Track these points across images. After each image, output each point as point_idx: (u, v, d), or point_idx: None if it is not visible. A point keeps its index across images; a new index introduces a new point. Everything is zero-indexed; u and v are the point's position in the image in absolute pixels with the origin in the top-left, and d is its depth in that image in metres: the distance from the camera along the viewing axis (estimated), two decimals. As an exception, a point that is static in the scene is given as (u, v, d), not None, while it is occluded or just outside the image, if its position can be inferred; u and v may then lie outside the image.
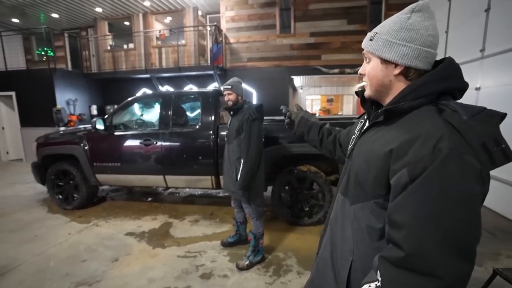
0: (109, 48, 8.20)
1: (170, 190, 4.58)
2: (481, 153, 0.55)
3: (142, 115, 3.79)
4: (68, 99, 7.29)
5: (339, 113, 12.48)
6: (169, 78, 7.74)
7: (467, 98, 4.12)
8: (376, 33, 0.70)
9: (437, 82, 0.64)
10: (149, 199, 4.20)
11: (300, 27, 7.23)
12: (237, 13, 7.52)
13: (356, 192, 0.73)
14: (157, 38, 8.15)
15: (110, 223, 3.27)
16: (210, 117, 3.17)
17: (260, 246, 2.35)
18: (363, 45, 0.74)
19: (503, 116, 0.58)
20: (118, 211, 3.66)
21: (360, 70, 0.77)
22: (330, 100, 13.61)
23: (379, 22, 6.91)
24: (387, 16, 6.58)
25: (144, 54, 7.75)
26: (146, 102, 3.82)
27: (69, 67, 8.87)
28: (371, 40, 0.71)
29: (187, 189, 4.49)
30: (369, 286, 0.62)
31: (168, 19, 9.00)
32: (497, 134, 0.56)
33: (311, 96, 13.21)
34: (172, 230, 3.09)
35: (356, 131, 0.86)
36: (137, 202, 4.04)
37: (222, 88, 2.24)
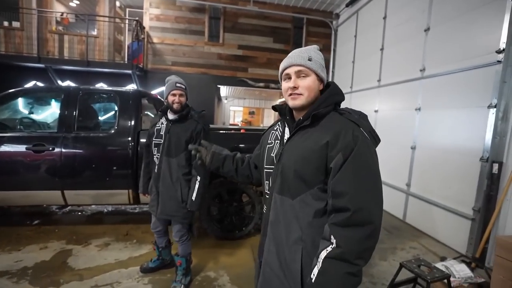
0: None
1: (68, 208, 3.74)
2: (371, 137, 0.85)
3: (31, 113, 3.01)
4: None
5: (261, 125, 13.24)
6: (73, 73, 6.51)
7: (370, 118, 4.93)
8: (312, 57, 0.90)
9: (336, 95, 0.92)
10: (36, 221, 3.29)
11: (228, 38, 7.38)
12: (163, 12, 7.09)
13: (297, 186, 0.86)
14: (57, 22, 6.75)
15: (-33, 260, 2.36)
16: (129, 121, 2.82)
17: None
18: (301, 62, 0.90)
19: (367, 116, 0.92)
20: (-17, 242, 2.71)
21: (294, 83, 0.90)
22: (251, 113, 14.33)
23: (300, 45, 7.87)
24: (307, 40, 7.50)
25: (38, 38, 6.22)
26: (39, 97, 3.07)
27: None
28: (310, 60, 0.90)
29: (93, 206, 3.76)
30: (326, 250, 0.79)
31: (74, 2, 7.69)
32: (371, 126, 0.87)
33: (234, 108, 13.65)
34: (71, 260, 2.48)
35: (272, 140, 1.01)
36: (16, 227, 3.09)
37: (174, 85, 1.91)
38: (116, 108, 2.86)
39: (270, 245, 0.93)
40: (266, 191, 0.98)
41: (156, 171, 1.96)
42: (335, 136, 0.81)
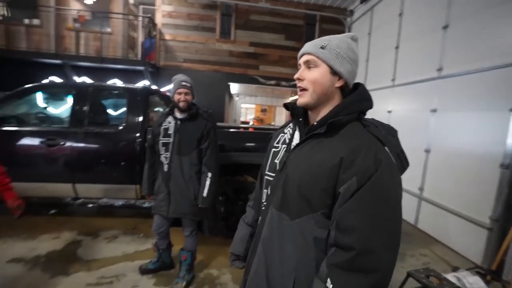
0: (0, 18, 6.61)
1: (81, 200, 3.88)
2: (398, 161, 0.70)
3: (46, 108, 3.16)
4: None
5: (272, 124, 13.19)
6: (88, 69, 6.72)
7: (383, 118, 4.91)
8: (327, 44, 0.76)
9: (362, 102, 0.77)
10: (52, 211, 3.45)
11: (240, 35, 7.39)
12: (175, 9, 7.19)
13: (299, 206, 0.74)
14: (74, 20, 6.99)
15: (-16, 247, 2.51)
16: (137, 118, 2.89)
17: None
18: (311, 50, 0.77)
19: (397, 131, 0.76)
20: (2, 229, 2.87)
21: (299, 75, 0.79)
22: (264, 110, 14.29)
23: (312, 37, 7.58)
24: (320, 37, 7.33)
25: (55, 35, 6.49)
26: (54, 93, 3.21)
27: None
28: (322, 48, 0.76)
29: (104, 199, 3.90)
30: None
31: (90, 0, 7.90)
32: (400, 146, 0.74)
33: (246, 105, 13.59)
34: (81, 251, 2.58)
35: (279, 144, 0.88)
36: (33, 217, 3.25)
37: (180, 83, 1.94)
38: (125, 105, 2.95)
39: (259, 266, 0.82)
40: (263, 201, 0.87)
41: (166, 170, 1.97)
42: (352, 154, 0.68)
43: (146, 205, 3.87)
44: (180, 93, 1.94)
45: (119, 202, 3.95)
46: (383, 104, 4.93)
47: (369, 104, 0.78)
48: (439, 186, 3.48)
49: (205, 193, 1.93)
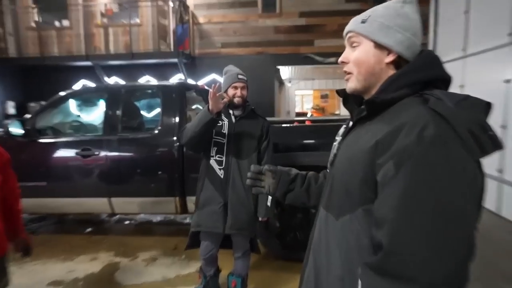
0: (33, 25, 7.77)
1: (117, 216, 4.32)
2: (469, 140, 0.63)
3: (79, 116, 3.62)
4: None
5: (336, 112, 12.70)
6: (118, 68, 7.49)
7: (496, 92, 4.43)
8: (369, 15, 0.81)
9: (419, 71, 0.76)
10: (88, 229, 3.93)
11: (287, 5, 7.33)
12: (208, -15, 7.49)
13: (342, 202, 0.79)
14: (102, 15, 7.82)
15: (26, 269, 2.96)
16: (173, 118, 3.09)
17: (242, 290, 2.28)
18: (351, 27, 0.83)
19: (488, 104, 0.68)
20: (41, 249, 3.35)
21: (342, 57, 0.85)
22: (324, 96, 13.90)
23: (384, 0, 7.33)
24: (393, -6, 6.88)
25: (85, 35, 7.39)
26: (86, 99, 3.65)
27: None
28: (363, 22, 0.81)
29: (142, 215, 4.26)
30: None
31: (116, -10, 8.79)
32: (483, 121, 0.66)
33: (301, 92, 13.42)
34: (119, 274, 2.87)
35: (338, 136, 0.97)
36: (69, 235, 3.74)
37: (236, 76, 2.06)
38: (159, 105, 3.17)
39: (309, 273, 0.90)
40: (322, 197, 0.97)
41: (222, 176, 2.04)
42: (391, 134, 0.68)
43: (187, 220, 4.10)
44: (236, 88, 2.05)
45: (158, 218, 4.26)
46: (495, 72, 4.53)
47: (432, 72, 0.76)
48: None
49: (269, 203, 2.01)
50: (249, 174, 1.16)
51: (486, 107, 0.69)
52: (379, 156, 0.69)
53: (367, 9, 0.85)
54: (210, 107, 1.88)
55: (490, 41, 4.16)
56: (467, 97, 0.69)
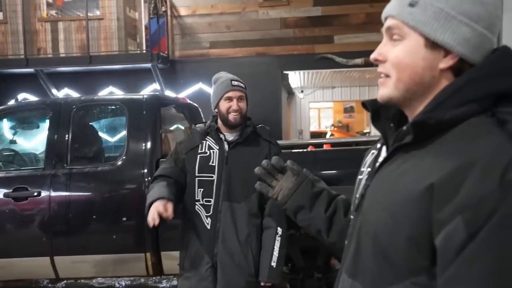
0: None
1: (63, 283, 3.85)
2: None
3: (14, 141, 3.31)
4: None
5: (365, 131, 12.29)
6: (71, 76, 7.10)
7: None
8: None
9: (492, 78, 0.67)
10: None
11: (298, -11, 7.13)
12: (191, -32, 7.36)
13: (378, 269, 0.71)
14: (49, 5, 7.47)
15: None
16: (143, 144, 2.88)
17: None
18: (393, 11, 0.74)
19: None
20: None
21: (377, 53, 0.77)
22: (349, 110, 13.60)
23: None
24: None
25: (25, 32, 6.85)
26: (23, 119, 3.36)
27: None
28: (411, 5, 0.70)
29: (100, 279, 3.80)
30: None
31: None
32: None
33: (317, 104, 12.93)
34: None
35: (366, 168, 0.90)
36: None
37: (230, 83, 1.95)
38: (125, 126, 2.97)
39: None
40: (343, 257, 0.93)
41: (209, 227, 1.93)
42: (456, 175, 0.58)
43: (164, 285, 3.73)
44: (230, 99, 1.90)
45: (122, 283, 3.87)
46: None
47: (508, 81, 0.67)
48: None
49: (274, 262, 1.88)
50: (264, 162, 1.14)
51: None
52: (438, 208, 0.60)
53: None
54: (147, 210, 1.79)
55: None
56: None
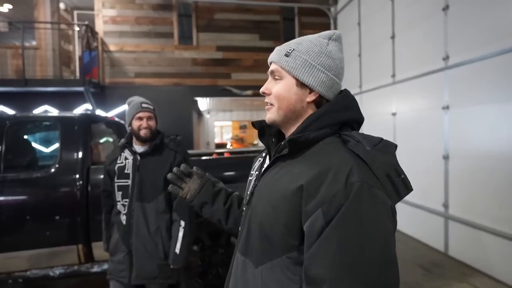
0: None
1: None
2: (387, 184, 0.67)
3: None
4: None
5: (255, 142, 13.16)
6: (7, 95, 6.53)
7: (386, 123, 5.05)
8: (293, 49, 0.80)
9: (339, 111, 0.78)
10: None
11: (204, 39, 7.54)
12: (120, 13, 7.26)
13: (262, 248, 0.76)
14: None
15: None
16: (75, 154, 2.83)
17: None
18: (274, 59, 0.82)
19: (396, 146, 0.74)
20: None
21: (264, 88, 0.84)
22: (243, 127, 14.37)
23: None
24: (300, 33, 7.70)
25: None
26: None
27: None
28: (287, 55, 0.80)
29: (34, 270, 3.56)
30: None
31: (6, 7, 7.84)
32: (397, 165, 0.70)
33: (220, 123, 13.69)
34: None
35: (254, 171, 0.95)
36: None
37: (140, 105, 1.94)
38: (58, 139, 2.87)
39: None
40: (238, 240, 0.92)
41: (124, 222, 1.94)
42: (317, 178, 0.68)
43: (96, 269, 3.55)
44: (140, 118, 1.92)
45: (56, 271, 3.61)
46: (384, 106, 5.10)
47: (350, 113, 0.80)
48: (468, 200, 3.51)
49: (177, 249, 1.89)
50: (174, 170, 1.14)
51: (395, 149, 0.73)
52: (306, 203, 0.68)
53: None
54: None
55: (422, 66, 4.21)
56: (381, 140, 0.72)
